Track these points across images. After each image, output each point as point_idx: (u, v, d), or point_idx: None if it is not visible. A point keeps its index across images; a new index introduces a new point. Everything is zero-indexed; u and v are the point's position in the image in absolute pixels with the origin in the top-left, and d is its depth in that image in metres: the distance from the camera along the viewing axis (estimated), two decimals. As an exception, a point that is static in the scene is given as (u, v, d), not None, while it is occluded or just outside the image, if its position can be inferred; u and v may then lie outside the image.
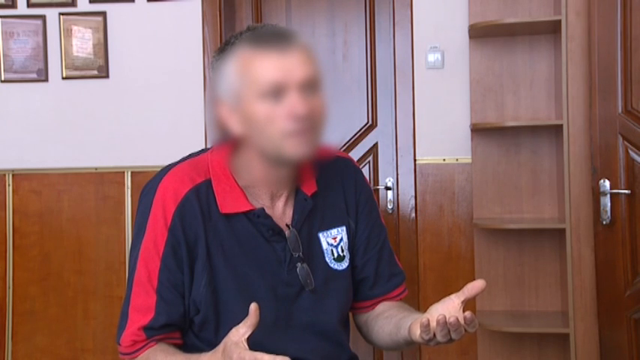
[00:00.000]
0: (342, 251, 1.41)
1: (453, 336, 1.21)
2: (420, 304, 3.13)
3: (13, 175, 3.34)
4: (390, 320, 1.39)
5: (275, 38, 1.26)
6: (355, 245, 1.44)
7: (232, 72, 1.26)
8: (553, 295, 3.04)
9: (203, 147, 3.16)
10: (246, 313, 1.28)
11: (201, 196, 1.30)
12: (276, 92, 1.23)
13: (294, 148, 1.25)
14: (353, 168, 1.48)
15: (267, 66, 1.23)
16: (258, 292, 1.31)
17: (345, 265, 1.41)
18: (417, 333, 1.23)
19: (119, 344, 1.32)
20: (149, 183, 1.35)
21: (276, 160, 1.29)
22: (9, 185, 3.33)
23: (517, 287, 3.08)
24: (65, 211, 3.31)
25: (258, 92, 1.24)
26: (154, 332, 1.29)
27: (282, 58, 1.24)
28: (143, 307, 1.29)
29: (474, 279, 3.06)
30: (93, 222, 3.29)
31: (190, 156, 1.38)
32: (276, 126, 1.24)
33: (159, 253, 1.28)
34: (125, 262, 3.26)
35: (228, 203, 1.31)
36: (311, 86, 1.26)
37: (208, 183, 1.31)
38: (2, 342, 3.32)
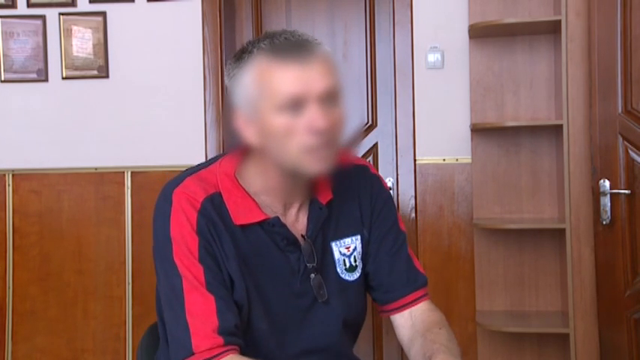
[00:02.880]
0: (355, 261, 1.38)
1: None
2: (420, 304, 3.13)
3: (13, 175, 3.34)
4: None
5: (295, 48, 1.21)
6: (368, 252, 1.41)
7: (250, 82, 1.22)
8: (553, 295, 3.04)
9: (203, 146, 3.19)
10: (264, 324, 1.26)
11: (215, 206, 1.27)
12: (296, 105, 1.19)
13: (313, 164, 1.22)
14: (370, 175, 1.44)
15: (287, 78, 1.19)
16: (273, 302, 1.30)
17: (356, 275, 1.39)
18: None
19: (191, 353, 1.21)
20: (159, 200, 1.30)
21: (294, 173, 1.26)
22: (9, 185, 3.33)
23: (517, 287, 3.07)
24: (65, 211, 3.31)
25: (276, 105, 1.20)
26: (231, 338, 1.22)
27: (301, 69, 1.19)
28: (204, 311, 1.22)
29: (474, 279, 3.10)
30: (93, 222, 3.29)
31: (197, 168, 1.34)
32: (296, 140, 1.20)
33: (195, 256, 1.24)
34: (125, 262, 3.26)
35: (241, 214, 1.28)
36: (330, 98, 1.22)
37: (219, 195, 1.28)
38: (2, 342, 3.32)
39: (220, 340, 1.21)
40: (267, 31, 1.27)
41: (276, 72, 1.20)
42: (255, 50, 1.23)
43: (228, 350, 1.21)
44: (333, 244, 1.36)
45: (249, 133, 1.26)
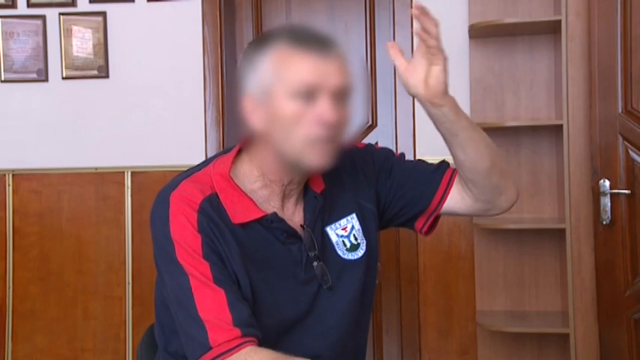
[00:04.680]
0: (356, 239, 1.39)
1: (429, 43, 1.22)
2: (420, 304, 3.13)
3: (13, 175, 3.34)
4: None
5: (316, 41, 1.24)
6: (389, 198, 1.43)
7: (267, 67, 1.24)
8: (553, 295, 3.04)
9: (203, 146, 3.19)
10: (272, 319, 1.27)
11: (214, 206, 1.27)
12: (309, 94, 1.22)
13: (315, 157, 1.24)
14: (345, 152, 1.44)
15: (305, 66, 1.22)
16: (280, 295, 1.30)
17: (360, 252, 1.39)
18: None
19: (209, 348, 1.19)
20: (156, 205, 1.30)
21: (294, 164, 1.27)
22: (9, 185, 3.33)
23: (517, 287, 3.08)
24: (65, 211, 3.31)
25: (291, 91, 1.22)
26: (248, 329, 1.21)
27: (321, 61, 1.22)
28: (216, 305, 1.21)
29: (474, 279, 3.10)
30: (93, 222, 3.29)
31: (190, 171, 1.35)
32: (302, 129, 1.22)
33: (200, 254, 1.23)
34: (125, 262, 3.26)
35: (239, 213, 1.29)
36: (342, 96, 1.25)
37: (216, 196, 1.29)
38: (2, 342, 3.32)
39: (238, 331, 1.20)
40: (289, 23, 1.31)
41: (295, 59, 1.22)
42: (277, 37, 1.26)
43: (246, 342, 1.20)
44: (328, 229, 1.38)
45: (255, 118, 1.27)
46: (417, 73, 1.28)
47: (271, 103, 1.24)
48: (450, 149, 1.37)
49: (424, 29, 1.21)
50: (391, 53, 1.30)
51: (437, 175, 1.45)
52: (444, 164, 1.47)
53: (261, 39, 1.29)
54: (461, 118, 1.32)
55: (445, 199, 1.43)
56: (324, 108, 1.22)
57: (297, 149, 1.24)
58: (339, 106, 1.24)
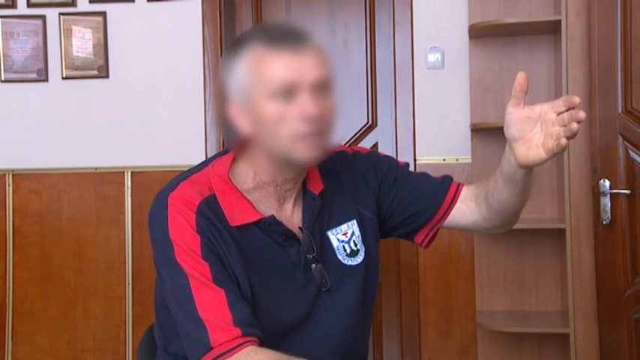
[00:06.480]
0: (356, 245, 1.39)
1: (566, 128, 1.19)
2: (419, 304, 3.13)
3: (13, 175, 3.34)
4: (488, 183, 1.39)
5: (289, 38, 1.23)
6: (391, 210, 1.43)
7: (244, 71, 1.25)
8: (553, 295, 3.04)
9: (203, 146, 3.20)
10: (271, 321, 1.26)
11: (212, 208, 1.28)
12: (288, 92, 1.21)
13: (304, 152, 1.24)
14: (348, 158, 1.45)
15: (280, 65, 1.22)
16: (278, 297, 1.30)
17: (360, 259, 1.39)
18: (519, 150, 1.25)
19: (209, 349, 1.19)
20: (154, 206, 1.31)
21: (285, 162, 1.27)
22: (9, 185, 3.33)
23: (517, 287, 3.07)
24: (65, 211, 3.31)
25: (269, 91, 1.22)
26: (248, 329, 1.21)
27: (295, 58, 1.22)
28: (216, 305, 1.21)
29: (474, 279, 3.10)
30: (93, 222, 3.29)
31: (189, 172, 1.35)
32: (287, 127, 1.22)
33: (199, 255, 1.24)
34: (125, 262, 3.26)
35: (236, 216, 1.28)
36: (323, 88, 1.24)
37: (214, 198, 1.29)
38: (2, 342, 3.32)
39: (238, 331, 1.20)
40: (262, 23, 1.31)
41: (270, 59, 1.22)
42: (250, 40, 1.26)
43: (247, 342, 1.20)
44: (330, 233, 1.37)
45: (242, 122, 1.27)
46: (533, 143, 1.28)
47: (253, 106, 1.24)
48: (496, 187, 1.36)
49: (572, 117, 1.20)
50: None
51: (442, 189, 1.45)
52: (448, 178, 1.47)
53: (236, 43, 1.28)
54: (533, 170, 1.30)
55: (448, 214, 1.44)
56: (304, 103, 1.21)
57: (285, 147, 1.24)
58: (321, 99, 1.23)
